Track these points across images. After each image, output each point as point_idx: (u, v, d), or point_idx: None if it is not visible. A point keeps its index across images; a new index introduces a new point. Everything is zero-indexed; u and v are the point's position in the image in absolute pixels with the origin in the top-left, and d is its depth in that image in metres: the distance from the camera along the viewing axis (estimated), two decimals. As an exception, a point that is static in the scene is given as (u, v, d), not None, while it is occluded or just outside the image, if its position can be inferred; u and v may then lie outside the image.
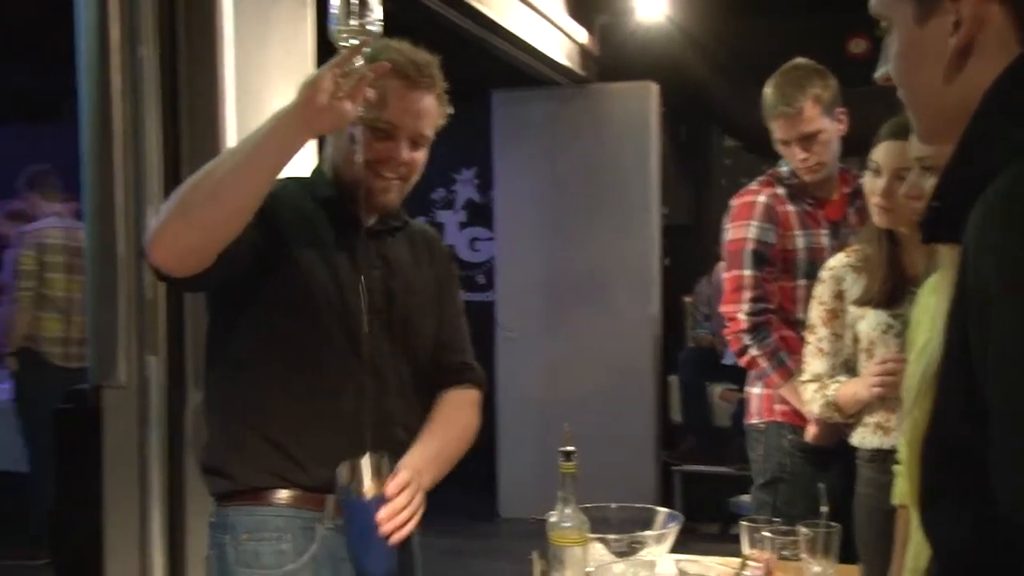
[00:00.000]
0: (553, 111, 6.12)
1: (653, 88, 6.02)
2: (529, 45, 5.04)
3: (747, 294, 2.76)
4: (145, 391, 2.60)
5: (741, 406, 5.29)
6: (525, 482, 6.03)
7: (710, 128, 6.75)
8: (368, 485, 1.66)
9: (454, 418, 1.91)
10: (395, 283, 1.85)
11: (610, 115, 6.05)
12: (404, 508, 1.66)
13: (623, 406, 5.92)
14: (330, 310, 1.75)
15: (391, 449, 1.76)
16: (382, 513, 1.64)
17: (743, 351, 2.79)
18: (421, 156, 1.81)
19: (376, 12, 1.59)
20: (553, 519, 1.72)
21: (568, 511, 1.73)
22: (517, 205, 6.19)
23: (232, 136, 2.60)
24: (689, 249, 6.76)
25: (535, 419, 6.09)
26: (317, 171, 1.88)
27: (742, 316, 2.76)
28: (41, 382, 4.97)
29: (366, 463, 1.67)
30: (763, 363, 2.75)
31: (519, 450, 6.14)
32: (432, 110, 1.79)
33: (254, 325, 1.75)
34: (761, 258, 2.76)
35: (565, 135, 6.09)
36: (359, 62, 1.55)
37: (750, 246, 2.77)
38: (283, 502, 1.73)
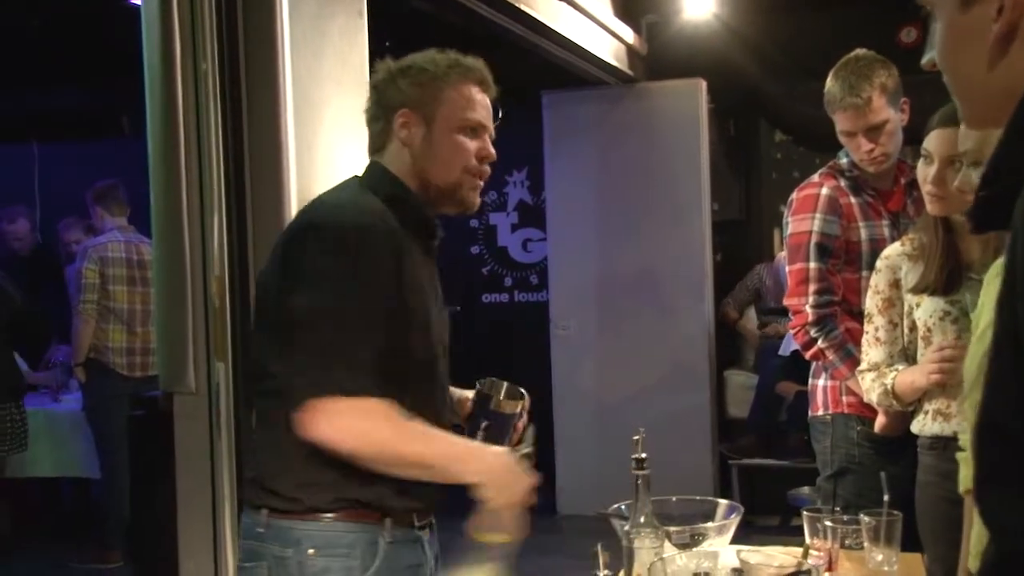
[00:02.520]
0: (602, 111, 6.14)
1: (701, 85, 6.01)
2: (577, 46, 5.06)
3: (812, 286, 2.76)
4: (214, 396, 2.67)
5: (798, 399, 5.29)
6: (583, 478, 6.06)
7: (759, 123, 6.72)
8: (503, 401, 1.95)
9: None
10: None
11: (659, 113, 6.06)
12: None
13: (678, 401, 5.93)
14: (428, 336, 1.82)
15: None
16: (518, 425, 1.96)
17: (810, 344, 2.78)
18: None
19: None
20: (626, 527, 1.76)
21: (642, 519, 1.76)
22: (569, 205, 6.22)
23: (291, 145, 2.67)
24: (740, 244, 6.74)
25: (591, 416, 6.12)
26: (401, 186, 1.86)
27: (808, 308, 2.76)
28: (108, 391, 5.10)
29: (503, 385, 1.99)
30: (831, 355, 2.74)
31: (576, 447, 6.17)
32: None
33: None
34: (825, 250, 2.76)
35: (614, 134, 6.10)
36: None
37: (814, 238, 2.77)
38: (351, 518, 1.75)
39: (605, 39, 5.51)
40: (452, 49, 1.92)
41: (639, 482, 1.79)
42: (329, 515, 1.74)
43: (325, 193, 1.89)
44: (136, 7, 2.68)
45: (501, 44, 4.76)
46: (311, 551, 1.72)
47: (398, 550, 1.78)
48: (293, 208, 2.62)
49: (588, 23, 5.17)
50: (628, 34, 5.78)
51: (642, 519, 1.76)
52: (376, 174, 1.88)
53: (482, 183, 1.92)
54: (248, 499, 1.81)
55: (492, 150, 1.91)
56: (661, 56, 6.10)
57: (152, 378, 4.23)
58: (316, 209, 1.82)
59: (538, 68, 5.36)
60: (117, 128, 7.13)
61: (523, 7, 4.28)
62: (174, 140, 2.57)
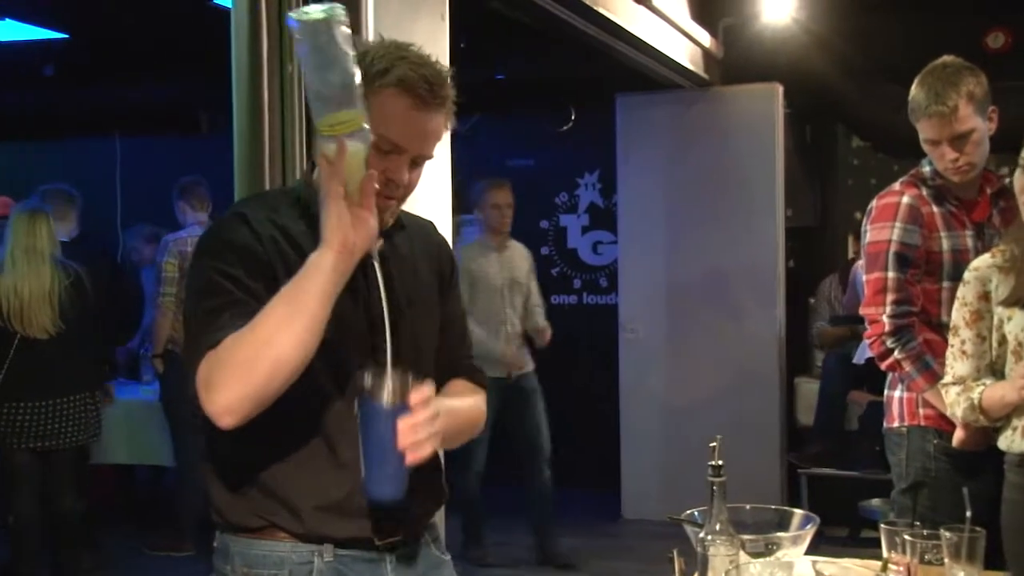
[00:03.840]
0: (677, 114, 6.11)
1: (778, 89, 5.96)
2: (653, 49, 5.05)
3: (890, 296, 2.71)
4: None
5: (871, 409, 5.21)
6: (649, 483, 6.04)
7: (836, 128, 6.63)
8: (390, 394, 1.53)
9: (468, 400, 1.85)
10: (399, 296, 1.73)
11: (734, 118, 6.02)
12: (424, 425, 1.54)
13: (747, 408, 5.88)
14: (328, 351, 1.59)
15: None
16: (402, 424, 1.53)
17: (886, 354, 2.74)
18: (419, 175, 1.71)
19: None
20: (701, 534, 1.76)
21: (717, 526, 1.76)
22: (641, 208, 6.21)
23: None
24: (813, 251, 6.66)
25: (658, 420, 6.11)
26: (306, 188, 1.73)
27: (885, 319, 2.72)
28: (183, 383, 5.20)
29: (391, 373, 1.55)
30: (907, 367, 2.70)
31: (643, 452, 6.16)
32: (439, 130, 1.68)
33: None
34: (905, 260, 2.71)
35: (689, 138, 6.08)
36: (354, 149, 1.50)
37: (893, 248, 2.72)
38: (281, 537, 1.68)
39: (681, 42, 5.49)
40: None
41: (715, 489, 1.78)
42: (255, 532, 1.68)
43: None
44: (221, 8, 2.74)
45: (576, 46, 4.77)
46: (244, 569, 1.68)
47: (343, 571, 1.69)
48: (373, 209, 2.65)
49: (664, 26, 5.15)
50: (704, 37, 5.75)
51: (717, 526, 1.76)
52: (307, 170, 1.80)
53: (392, 203, 1.68)
54: None
55: (403, 178, 1.65)
56: (737, 60, 6.05)
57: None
58: None
59: (613, 70, 5.36)
60: (195, 125, 7.28)
61: (599, 9, 4.28)
62: (259, 141, 2.62)
